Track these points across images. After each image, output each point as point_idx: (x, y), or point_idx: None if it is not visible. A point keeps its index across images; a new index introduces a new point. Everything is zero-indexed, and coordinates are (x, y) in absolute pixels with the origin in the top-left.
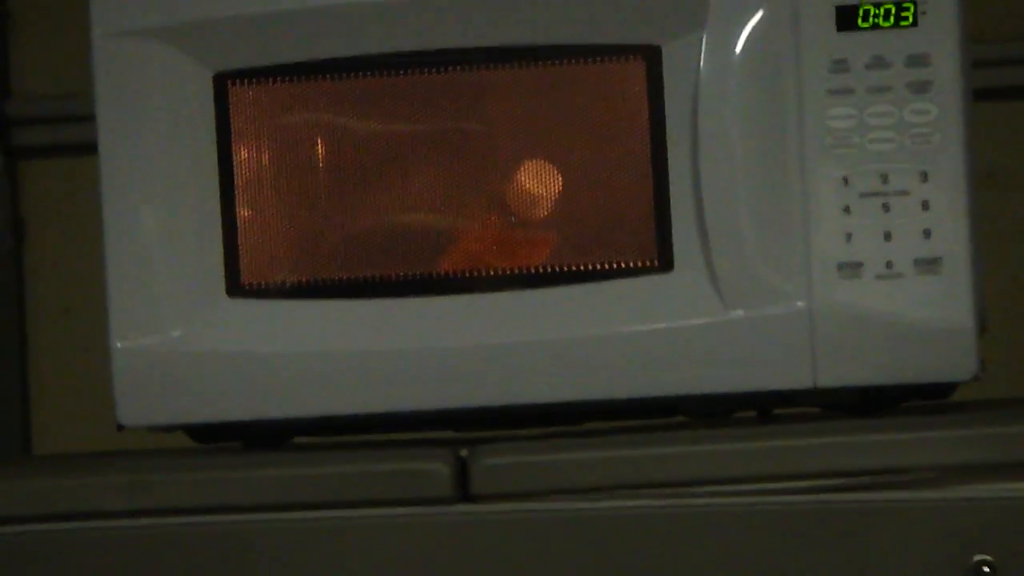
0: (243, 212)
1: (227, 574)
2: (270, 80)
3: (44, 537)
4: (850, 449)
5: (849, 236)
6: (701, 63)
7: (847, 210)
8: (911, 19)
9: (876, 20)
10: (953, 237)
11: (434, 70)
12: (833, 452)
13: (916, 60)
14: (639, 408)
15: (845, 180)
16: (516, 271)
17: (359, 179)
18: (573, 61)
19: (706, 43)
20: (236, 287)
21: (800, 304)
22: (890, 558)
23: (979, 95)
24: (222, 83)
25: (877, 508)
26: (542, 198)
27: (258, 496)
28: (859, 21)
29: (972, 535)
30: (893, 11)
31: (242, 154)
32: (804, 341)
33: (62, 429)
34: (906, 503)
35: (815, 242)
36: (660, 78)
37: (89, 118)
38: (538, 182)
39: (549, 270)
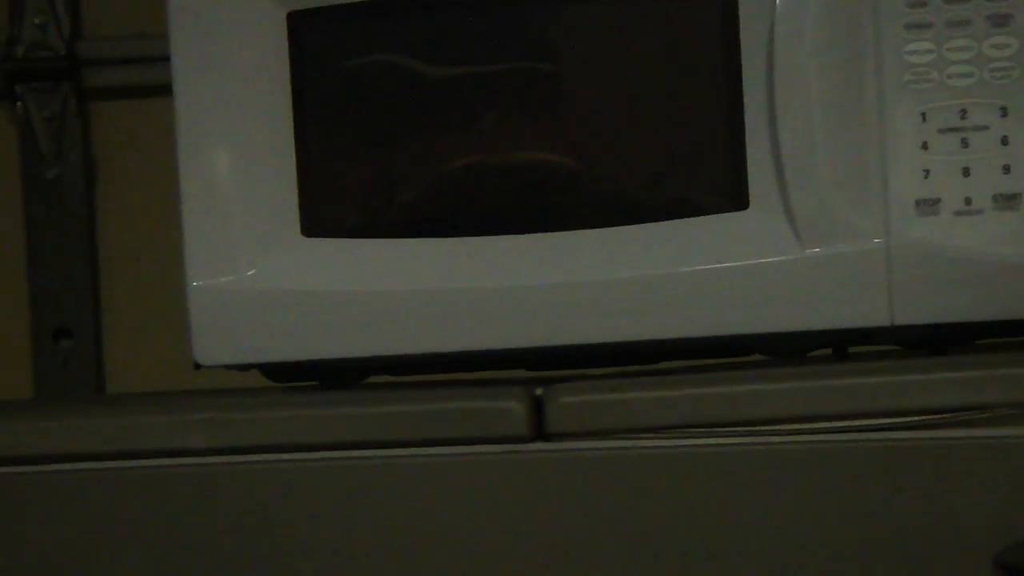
0: (317, 151)
1: (302, 511)
2: (344, 19)
3: (122, 475)
4: (928, 387)
5: (926, 172)
6: None
7: (924, 146)
8: None
9: None
10: None
11: (506, 8)
12: (911, 390)
13: None
14: (714, 347)
15: (923, 116)
16: (590, 210)
17: (432, 118)
18: None
19: None
20: (311, 226)
21: (877, 241)
22: (970, 497)
23: None
24: (296, 21)
25: (956, 446)
26: (616, 137)
27: (333, 434)
28: None
29: None
30: None
31: (316, 93)
32: (881, 279)
33: (136, 370)
34: (986, 440)
35: (892, 179)
36: (735, 13)
37: (160, 59)
38: (612, 120)
39: (623, 209)
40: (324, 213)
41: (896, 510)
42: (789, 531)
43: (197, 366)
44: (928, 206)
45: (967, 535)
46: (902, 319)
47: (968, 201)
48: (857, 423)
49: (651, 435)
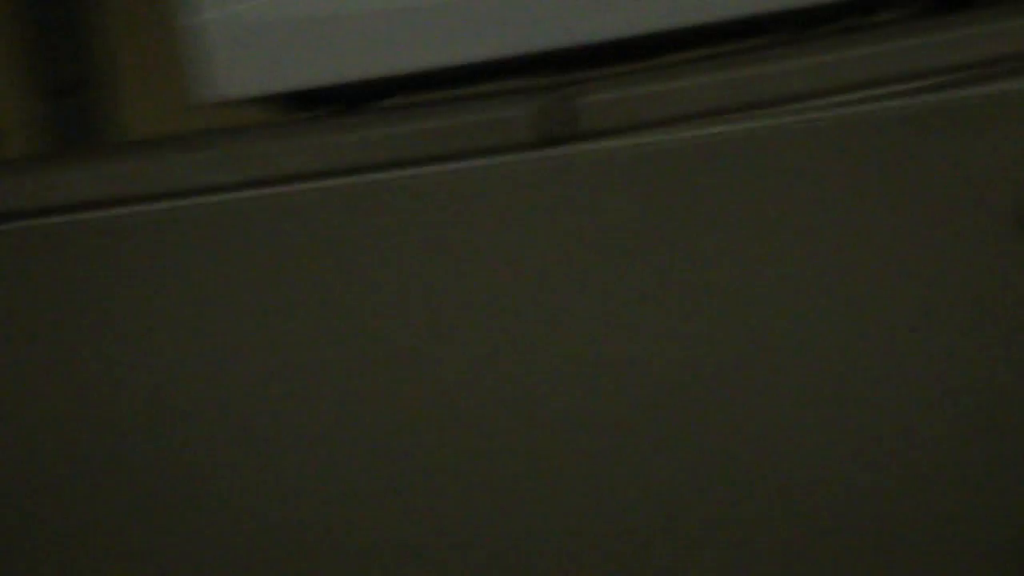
0: None
1: (322, 239)
2: None
3: (145, 218)
4: (942, 44)
5: None
6: None
7: None
8: None
9: None
10: None
11: None
12: (930, 49)
13: None
14: (719, 33)
15: None
16: None
17: None
18: None
19: None
20: None
21: None
22: (986, 152)
23: None
24: None
25: (975, 103)
26: None
27: (349, 159)
28: None
29: None
30: None
31: None
32: None
33: (141, 112)
34: (1003, 93)
35: None
36: None
37: None
38: None
39: None
40: None
41: (918, 176)
42: (824, 209)
43: (207, 103)
44: None
45: (991, 194)
46: None
47: None
48: (872, 92)
49: (666, 128)
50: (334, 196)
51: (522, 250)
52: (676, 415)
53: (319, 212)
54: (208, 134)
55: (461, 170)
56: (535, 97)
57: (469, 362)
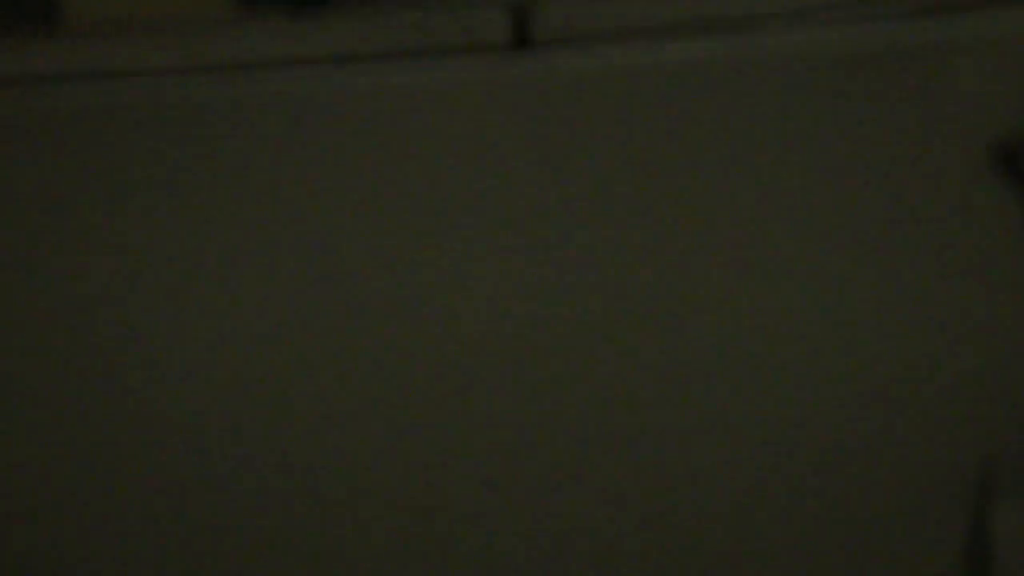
0: None
1: (284, 134)
2: None
3: (91, 97)
4: None
5: None
6: None
7: None
8: None
9: None
10: None
11: None
12: None
13: None
14: None
15: None
16: None
17: None
18: None
19: None
20: None
21: None
22: (960, 92)
23: None
24: None
25: (946, 41)
26: None
27: (306, 51)
28: None
29: None
30: None
31: None
32: None
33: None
34: (976, 33)
35: None
36: None
37: None
38: None
39: None
40: None
41: (885, 117)
42: (796, 140)
43: None
44: None
45: (963, 135)
46: None
47: None
48: (844, 26)
49: (644, 40)
50: (278, 90)
51: (483, 161)
52: (641, 332)
53: (274, 108)
54: (155, 22)
55: (425, 71)
56: (480, 8)
57: (436, 274)
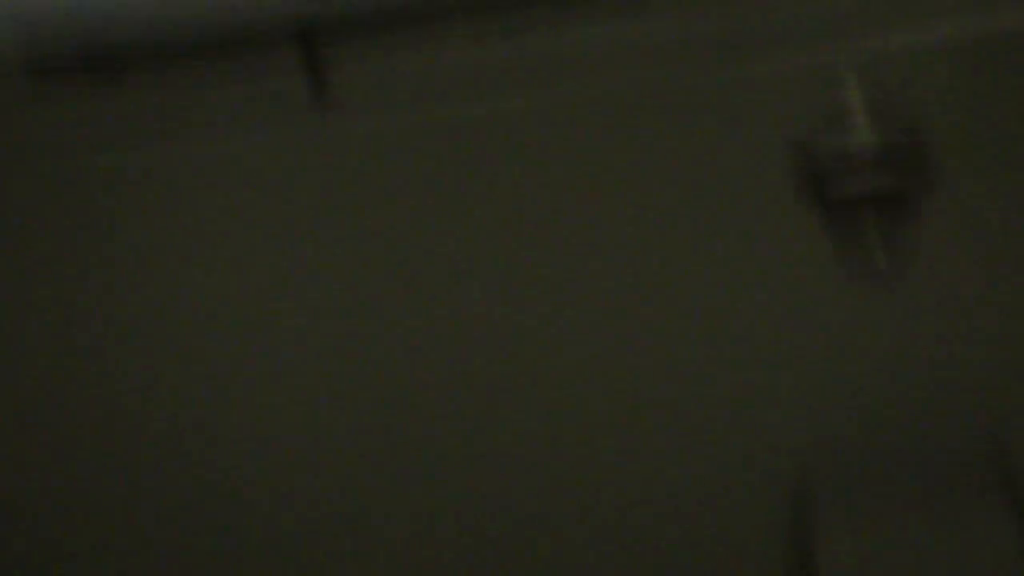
0: None
1: (95, 210)
2: None
3: None
4: (721, 18)
5: None
6: None
7: None
8: None
9: None
10: None
11: None
12: (705, 20)
13: None
14: (494, 4)
15: None
16: None
17: None
18: None
19: None
20: None
21: None
22: (766, 125)
23: None
24: None
25: (752, 75)
26: None
27: (102, 129)
28: None
29: (847, 92)
30: None
31: None
32: None
33: None
34: (780, 66)
35: None
36: None
37: None
38: None
39: None
40: None
41: (693, 153)
42: (594, 191)
43: None
44: None
45: (770, 167)
46: None
47: None
48: (647, 65)
49: (442, 99)
50: (96, 167)
51: (287, 219)
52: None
53: (79, 182)
54: None
55: (221, 141)
56: (297, 68)
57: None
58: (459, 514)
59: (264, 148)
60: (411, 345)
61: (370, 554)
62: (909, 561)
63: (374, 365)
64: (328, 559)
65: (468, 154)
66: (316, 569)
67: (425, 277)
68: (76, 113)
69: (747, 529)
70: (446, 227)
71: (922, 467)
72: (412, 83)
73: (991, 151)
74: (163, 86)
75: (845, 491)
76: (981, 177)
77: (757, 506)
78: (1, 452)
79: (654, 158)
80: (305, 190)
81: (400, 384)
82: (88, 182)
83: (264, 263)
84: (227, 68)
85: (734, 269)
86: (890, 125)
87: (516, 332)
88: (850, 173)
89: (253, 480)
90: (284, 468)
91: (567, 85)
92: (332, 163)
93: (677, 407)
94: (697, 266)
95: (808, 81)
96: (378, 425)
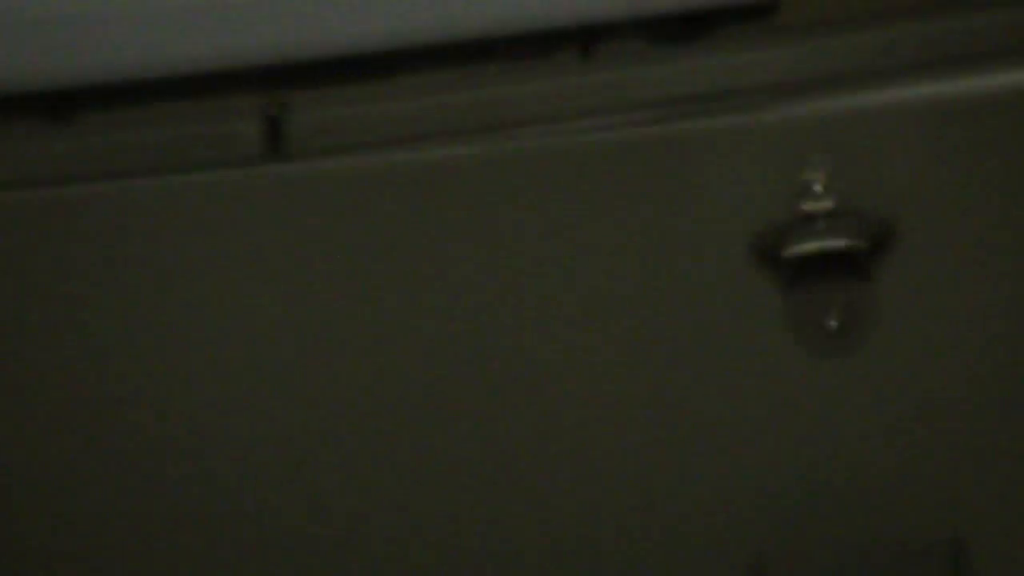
0: None
1: (29, 250)
2: None
3: None
4: (675, 76)
5: None
6: None
7: None
8: None
9: None
10: None
11: None
12: (657, 80)
13: None
14: (452, 54)
15: None
16: None
17: None
18: None
19: None
20: None
21: None
22: (718, 183)
23: None
24: None
25: (703, 134)
26: None
27: (54, 168)
28: None
29: (800, 152)
30: None
31: None
32: None
33: None
34: (733, 125)
35: None
36: None
37: None
38: None
39: None
40: None
41: (648, 200)
42: (550, 242)
43: None
44: None
45: (722, 225)
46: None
47: None
48: (605, 119)
49: (392, 149)
50: (44, 206)
51: (223, 266)
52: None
53: (26, 221)
54: None
55: (173, 183)
56: (251, 112)
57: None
58: None
59: (216, 190)
60: (361, 395)
61: None
62: None
63: (322, 419)
64: None
65: (423, 201)
66: None
67: (379, 328)
68: (26, 148)
69: None
70: (399, 275)
71: (875, 565)
72: (370, 129)
73: (949, 213)
74: (114, 124)
75: None
76: (939, 238)
77: None
78: None
79: (605, 213)
80: (257, 233)
81: (349, 437)
82: (38, 216)
83: (216, 308)
84: (181, 109)
85: (683, 334)
86: (847, 186)
87: (468, 389)
88: (805, 233)
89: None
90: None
91: (523, 137)
92: (288, 208)
93: (616, 490)
94: (645, 333)
95: (765, 140)
96: (328, 490)
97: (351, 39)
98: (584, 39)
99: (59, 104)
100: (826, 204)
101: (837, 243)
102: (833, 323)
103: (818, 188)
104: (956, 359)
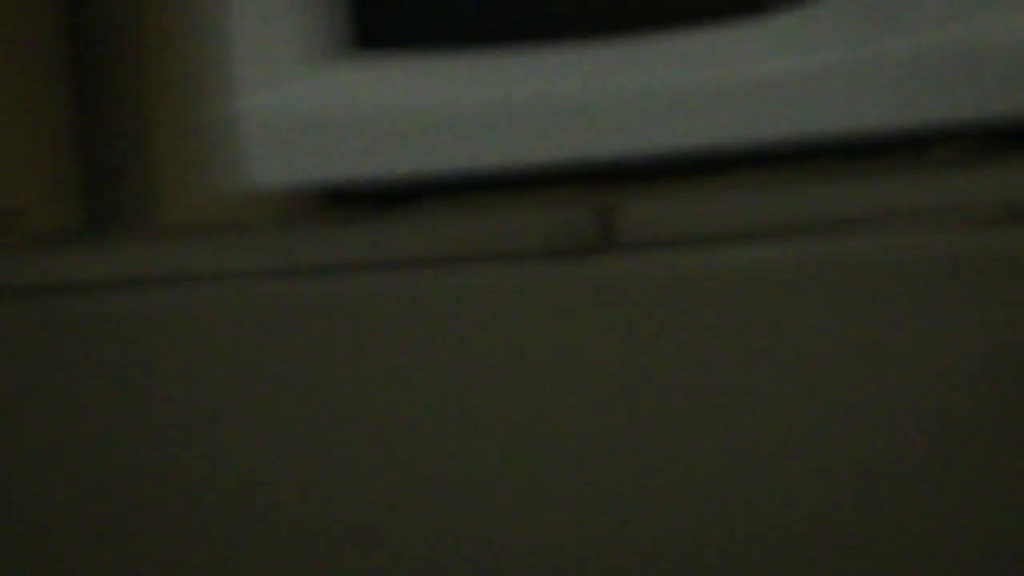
0: None
1: (361, 337)
2: None
3: (176, 299)
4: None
5: None
6: None
7: None
8: None
9: None
10: None
11: None
12: (1000, 183)
13: None
14: (786, 154)
15: None
16: (643, 14)
17: None
18: None
19: None
20: (366, 37)
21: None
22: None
23: None
24: None
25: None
26: None
27: (390, 254)
28: None
29: None
30: None
31: None
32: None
33: (175, 202)
34: None
35: None
36: None
37: None
38: None
39: (686, 10)
40: (378, 23)
41: (952, 323)
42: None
43: (245, 191)
44: None
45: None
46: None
47: None
48: (944, 219)
49: (726, 243)
50: (354, 292)
51: (538, 361)
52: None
53: (338, 308)
54: (231, 225)
55: (485, 276)
56: (566, 208)
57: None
58: None
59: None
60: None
61: None
62: None
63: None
64: None
65: (733, 309)
66: None
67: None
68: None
69: None
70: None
71: None
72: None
73: None
74: (445, 214)
75: None
76: None
77: None
78: None
79: (939, 324)
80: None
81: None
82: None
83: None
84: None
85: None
86: None
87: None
88: None
89: None
90: None
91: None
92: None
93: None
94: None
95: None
96: None
97: (687, 135)
98: (917, 141)
99: (400, 191)
100: None
101: None
102: None
103: None
104: None
